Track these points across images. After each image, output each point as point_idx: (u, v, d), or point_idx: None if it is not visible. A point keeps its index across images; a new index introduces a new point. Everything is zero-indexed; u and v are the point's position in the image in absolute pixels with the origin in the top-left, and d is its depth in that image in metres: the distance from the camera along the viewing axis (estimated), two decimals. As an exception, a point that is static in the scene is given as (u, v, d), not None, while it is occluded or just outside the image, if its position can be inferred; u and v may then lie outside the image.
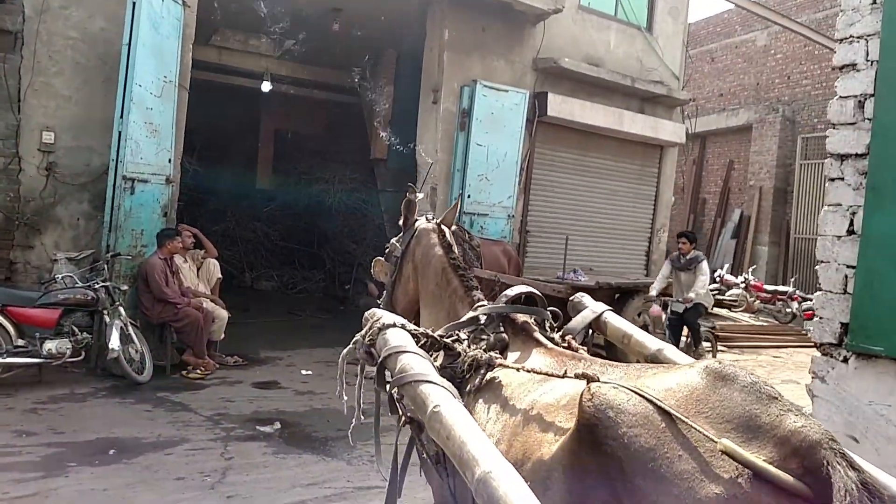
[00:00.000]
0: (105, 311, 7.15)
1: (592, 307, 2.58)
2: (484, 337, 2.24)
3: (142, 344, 7.33)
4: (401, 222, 3.11)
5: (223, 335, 8.22)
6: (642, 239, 12.72)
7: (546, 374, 1.81)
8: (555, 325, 2.38)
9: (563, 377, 1.72)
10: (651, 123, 12.01)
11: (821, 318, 4.05)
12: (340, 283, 14.00)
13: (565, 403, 1.65)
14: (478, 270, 8.41)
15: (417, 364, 1.85)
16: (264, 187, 16.62)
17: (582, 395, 1.47)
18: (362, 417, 2.22)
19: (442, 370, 2.03)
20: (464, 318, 2.34)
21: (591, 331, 2.55)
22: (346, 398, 2.27)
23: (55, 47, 7.74)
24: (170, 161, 8.06)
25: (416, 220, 3.06)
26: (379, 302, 3.13)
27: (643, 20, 12.28)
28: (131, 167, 7.53)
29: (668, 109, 12.68)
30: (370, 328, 2.13)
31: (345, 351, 2.23)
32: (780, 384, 9.53)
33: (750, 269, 16.76)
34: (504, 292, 2.37)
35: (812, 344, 12.27)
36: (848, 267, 3.93)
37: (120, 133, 7.46)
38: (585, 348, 2.31)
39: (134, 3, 7.26)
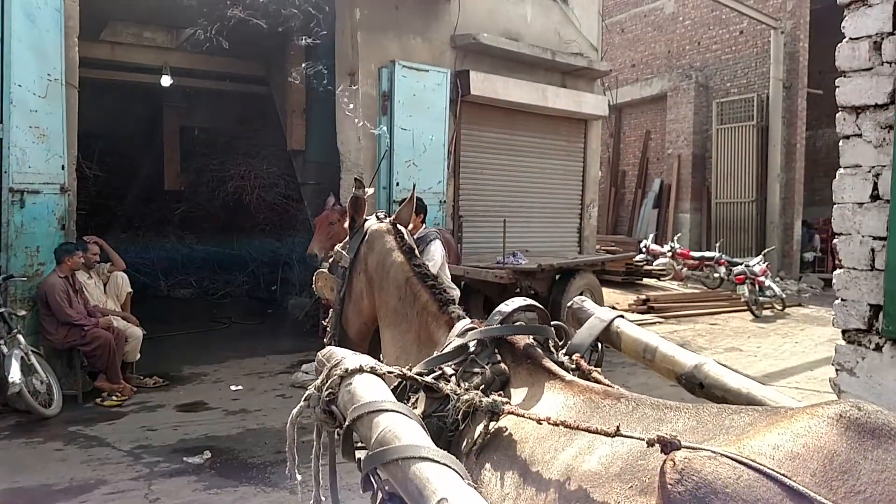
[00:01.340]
0: (2, 341, 6.36)
1: (599, 314, 2.08)
2: (477, 370, 1.73)
3: (47, 373, 6.58)
4: (346, 224, 2.55)
5: (139, 354, 7.53)
6: (573, 216, 12.49)
7: (589, 430, 1.28)
8: (559, 343, 1.89)
9: (613, 435, 1.22)
10: (574, 97, 11.74)
11: (843, 300, 3.52)
12: (266, 284, 13.29)
13: (618, 472, 1.20)
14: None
15: (403, 430, 1.33)
16: (174, 188, 15.63)
17: (663, 472, 1.00)
18: (322, 499, 1.67)
19: (426, 421, 1.53)
20: (448, 348, 1.81)
21: (599, 345, 2.08)
22: (299, 477, 1.72)
23: (-84, 48, 6.80)
24: (63, 168, 7.23)
25: (366, 220, 2.49)
26: (325, 323, 2.56)
27: (558, -9, 11.96)
28: (18, 177, 6.72)
29: (590, 82, 12.44)
30: (328, 376, 1.57)
31: (295, 411, 1.65)
32: (724, 353, 9.46)
33: (675, 238, 16.85)
34: (497, 308, 1.87)
35: (744, 308, 12.31)
36: (875, 238, 3.39)
37: (2, 140, 6.63)
38: (600, 370, 1.84)
39: (3, -8, 6.42)
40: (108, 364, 6.95)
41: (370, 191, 2.54)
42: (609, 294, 13.38)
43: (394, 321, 2.22)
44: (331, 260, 2.56)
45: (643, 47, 20.89)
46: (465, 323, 1.92)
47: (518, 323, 1.85)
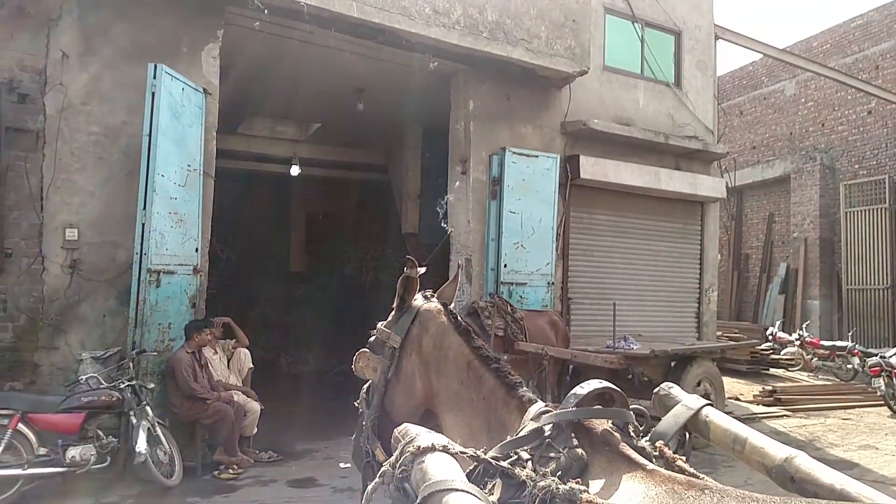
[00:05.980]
0: (132, 412, 6.77)
1: (686, 402, 2.01)
2: (553, 455, 1.67)
3: (170, 444, 6.93)
4: (395, 303, 2.46)
5: (256, 429, 7.81)
6: (691, 300, 12.11)
7: None
8: (640, 428, 1.82)
9: None
10: (689, 179, 11.58)
11: None
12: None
13: None
14: (523, 344, 7.93)
15: None
16: (298, 269, 16.47)
17: None
18: None
19: None
20: (523, 432, 1.76)
21: (686, 434, 2.00)
22: None
23: (77, 144, 7.62)
24: (197, 250, 7.83)
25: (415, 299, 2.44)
26: (359, 404, 2.49)
27: (671, 76, 12.01)
28: (156, 259, 7.28)
29: (705, 164, 12.26)
30: (401, 453, 1.58)
31: (370, 486, 1.67)
32: (857, 451, 8.75)
33: (804, 325, 15.91)
34: (573, 391, 1.85)
35: (881, 403, 11.36)
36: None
37: (143, 225, 7.23)
38: (685, 458, 1.77)
39: (153, 94, 7.15)
40: (227, 437, 7.24)
41: (422, 270, 2.44)
42: (732, 384, 12.76)
43: (457, 406, 2.16)
44: (372, 339, 2.47)
45: (763, 129, 20.42)
46: (540, 406, 1.88)
47: (597, 407, 1.82)
